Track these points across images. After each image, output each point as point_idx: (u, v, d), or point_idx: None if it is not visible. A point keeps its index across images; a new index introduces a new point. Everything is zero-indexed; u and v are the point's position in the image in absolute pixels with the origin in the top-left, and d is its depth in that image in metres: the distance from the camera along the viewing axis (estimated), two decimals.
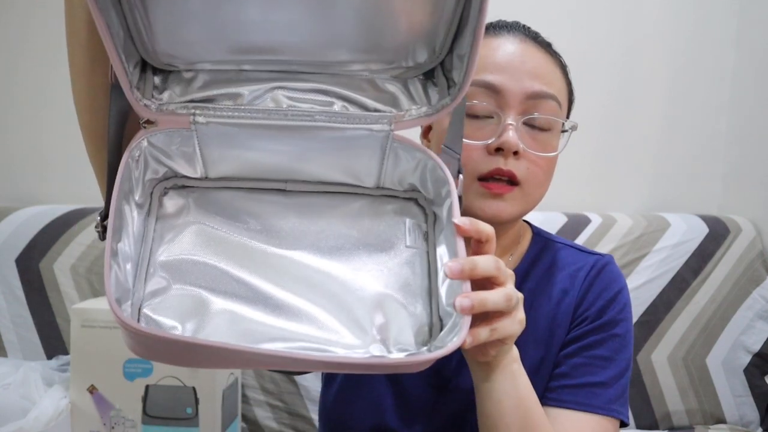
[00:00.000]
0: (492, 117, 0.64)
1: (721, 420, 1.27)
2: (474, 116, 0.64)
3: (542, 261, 0.74)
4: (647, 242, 1.32)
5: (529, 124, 0.65)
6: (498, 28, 0.69)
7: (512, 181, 0.64)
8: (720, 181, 1.50)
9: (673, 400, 1.27)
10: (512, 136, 0.62)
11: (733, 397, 1.27)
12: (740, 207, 1.43)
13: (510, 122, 0.63)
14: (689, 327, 1.29)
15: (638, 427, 1.26)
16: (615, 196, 1.50)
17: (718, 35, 1.45)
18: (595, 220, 1.36)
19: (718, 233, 1.34)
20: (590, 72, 1.46)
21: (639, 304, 1.29)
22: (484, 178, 0.64)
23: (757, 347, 1.28)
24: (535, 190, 0.66)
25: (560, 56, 0.70)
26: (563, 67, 0.70)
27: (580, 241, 1.32)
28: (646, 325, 1.28)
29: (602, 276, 0.71)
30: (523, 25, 0.69)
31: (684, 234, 1.33)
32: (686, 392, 1.27)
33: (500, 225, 0.66)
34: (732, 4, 1.44)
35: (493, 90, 0.63)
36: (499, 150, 0.63)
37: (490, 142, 0.63)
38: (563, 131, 0.69)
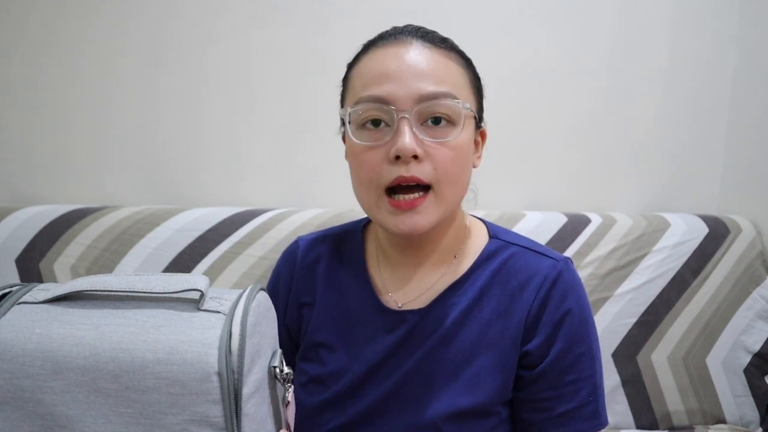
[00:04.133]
0: (390, 126, 0.65)
1: (721, 420, 1.27)
2: (373, 127, 0.65)
3: (495, 265, 0.73)
4: (647, 242, 1.32)
5: (429, 125, 0.65)
6: (385, 37, 0.68)
7: (420, 185, 0.64)
8: (719, 181, 1.50)
9: (673, 400, 1.27)
10: (408, 142, 0.62)
11: (733, 397, 1.27)
12: (740, 207, 1.43)
13: (404, 128, 0.63)
14: (689, 327, 1.29)
15: (638, 427, 1.26)
16: (615, 196, 1.50)
17: (718, 35, 1.45)
18: (595, 220, 1.36)
19: (718, 233, 1.34)
20: (590, 71, 1.47)
21: (639, 304, 1.29)
22: (391, 190, 0.65)
23: (757, 347, 1.28)
24: (448, 190, 0.66)
25: (458, 49, 0.70)
26: (463, 59, 0.70)
27: (580, 241, 1.32)
28: (646, 325, 1.28)
29: (556, 288, 0.70)
30: (413, 28, 0.69)
31: (684, 234, 1.33)
32: (686, 392, 1.27)
33: (426, 234, 0.67)
34: (732, 4, 1.44)
35: (383, 102, 0.64)
36: (399, 158, 0.63)
37: (390, 152, 0.63)
38: (478, 123, 0.71)
